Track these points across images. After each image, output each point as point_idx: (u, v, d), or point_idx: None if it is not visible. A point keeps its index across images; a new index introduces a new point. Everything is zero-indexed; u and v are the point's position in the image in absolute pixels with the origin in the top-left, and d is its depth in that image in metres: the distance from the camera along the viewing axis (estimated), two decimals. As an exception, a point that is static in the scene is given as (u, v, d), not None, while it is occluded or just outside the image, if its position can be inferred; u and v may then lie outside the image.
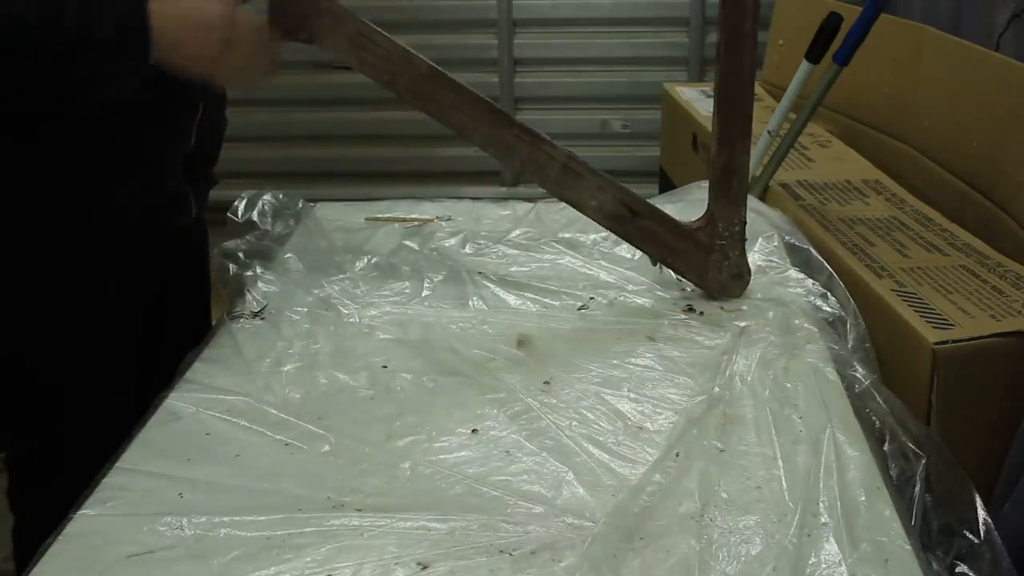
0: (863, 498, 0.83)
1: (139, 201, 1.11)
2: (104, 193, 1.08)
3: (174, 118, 1.13)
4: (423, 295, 1.20)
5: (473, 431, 0.93)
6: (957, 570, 0.88)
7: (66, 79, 0.93)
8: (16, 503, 1.19)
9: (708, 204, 1.16)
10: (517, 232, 1.38)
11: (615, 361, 1.06)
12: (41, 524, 0.81)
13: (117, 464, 0.88)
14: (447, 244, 1.33)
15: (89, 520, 0.81)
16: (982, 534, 0.89)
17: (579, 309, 1.17)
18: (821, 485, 0.84)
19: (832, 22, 1.57)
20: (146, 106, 1.06)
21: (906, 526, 0.81)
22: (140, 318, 1.17)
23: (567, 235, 1.36)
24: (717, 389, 0.99)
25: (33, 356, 1.11)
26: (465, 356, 1.07)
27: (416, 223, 1.39)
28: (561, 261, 1.30)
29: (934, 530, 0.92)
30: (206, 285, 1.34)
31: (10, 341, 1.10)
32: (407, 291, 1.20)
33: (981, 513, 0.90)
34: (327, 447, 0.91)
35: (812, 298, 1.18)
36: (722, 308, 1.16)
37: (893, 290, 1.28)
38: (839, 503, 0.82)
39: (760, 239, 1.32)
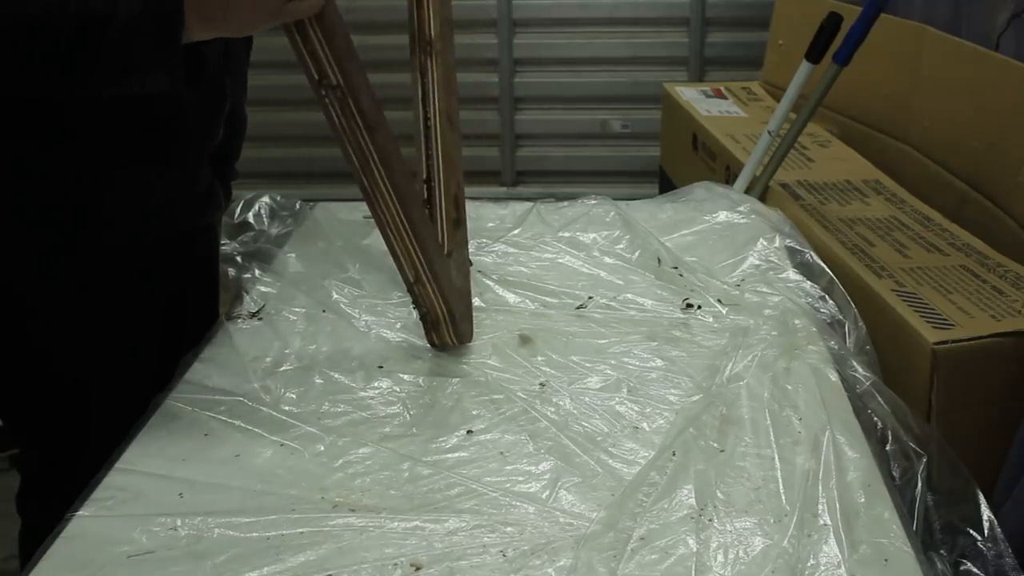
0: (863, 500, 0.83)
1: (170, 197, 1.10)
2: (142, 186, 1.06)
3: (206, 110, 1.12)
4: (422, 295, 1.19)
5: (468, 432, 0.93)
6: (961, 568, 0.88)
7: (83, 69, 0.86)
8: (23, 510, 1.19)
9: None
10: (517, 231, 1.37)
11: (613, 361, 1.06)
12: (47, 532, 0.81)
13: (116, 465, 0.88)
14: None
15: (88, 521, 0.81)
16: (986, 531, 0.89)
17: (577, 308, 1.17)
18: (820, 486, 0.84)
19: (832, 22, 1.57)
20: (179, 98, 1.04)
21: (906, 527, 0.81)
22: (158, 322, 1.16)
23: (567, 234, 1.36)
24: (716, 389, 0.99)
25: (60, 361, 1.09)
26: (463, 356, 1.06)
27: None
28: (561, 260, 1.30)
29: (936, 529, 0.92)
30: (216, 285, 1.33)
31: (39, 345, 1.09)
32: (405, 290, 1.20)
33: (985, 511, 0.90)
34: (323, 448, 0.90)
35: (811, 300, 1.18)
36: (721, 308, 1.16)
37: (893, 290, 1.28)
38: (838, 504, 0.82)
39: (760, 240, 1.32)
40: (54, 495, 0.98)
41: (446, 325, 1.05)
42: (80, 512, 0.82)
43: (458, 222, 1.13)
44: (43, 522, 0.87)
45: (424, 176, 1.10)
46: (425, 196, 1.10)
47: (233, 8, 0.86)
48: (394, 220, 0.99)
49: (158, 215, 1.09)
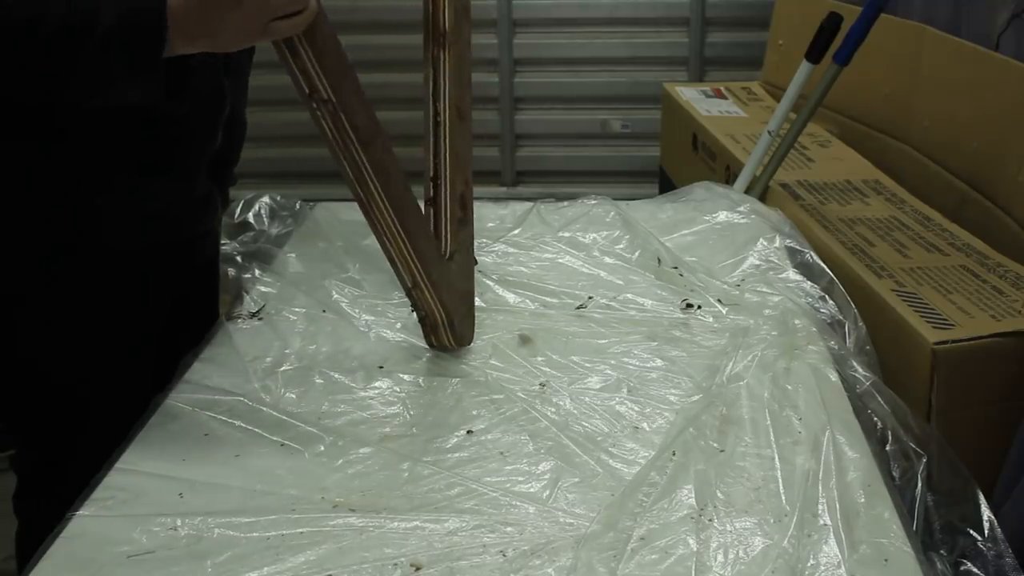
0: (863, 500, 0.83)
1: (169, 202, 1.10)
2: (139, 191, 1.06)
3: (206, 115, 1.12)
4: (422, 295, 1.19)
5: (468, 432, 0.93)
6: (962, 568, 0.88)
7: (62, 78, 0.86)
8: (21, 510, 1.19)
9: None
10: (517, 231, 1.38)
11: (613, 361, 1.06)
12: (44, 532, 0.81)
13: (116, 465, 0.88)
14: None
15: (88, 520, 0.81)
16: (986, 531, 0.89)
17: (577, 308, 1.17)
18: (820, 486, 0.84)
19: (832, 22, 1.57)
20: (173, 105, 1.04)
21: (906, 527, 0.81)
22: (158, 325, 1.16)
23: (567, 234, 1.36)
24: (716, 389, 0.98)
25: (56, 363, 1.09)
26: (463, 356, 1.06)
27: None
28: (561, 260, 1.30)
29: (936, 529, 0.92)
30: (217, 288, 1.33)
31: (33, 347, 1.09)
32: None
33: (985, 511, 0.90)
34: (324, 448, 0.90)
35: (811, 300, 1.18)
36: (721, 308, 1.16)
37: (893, 290, 1.28)
38: (838, 505, 0.82)
39: (760, 240, 1.32)
40: (50, 495, 0.98)
41: (444, 329, 1.05)
42: (80, 512, 0.82)
43: (464, 221, 1.12)
44: (40, 522, 0.87)
45: (431, 174, 1.09)
46: (431, 195, 1.09)
47: (217, 27, 0.85)
48: (390, 228, 0.98)
49: (155, 220, 1.09)
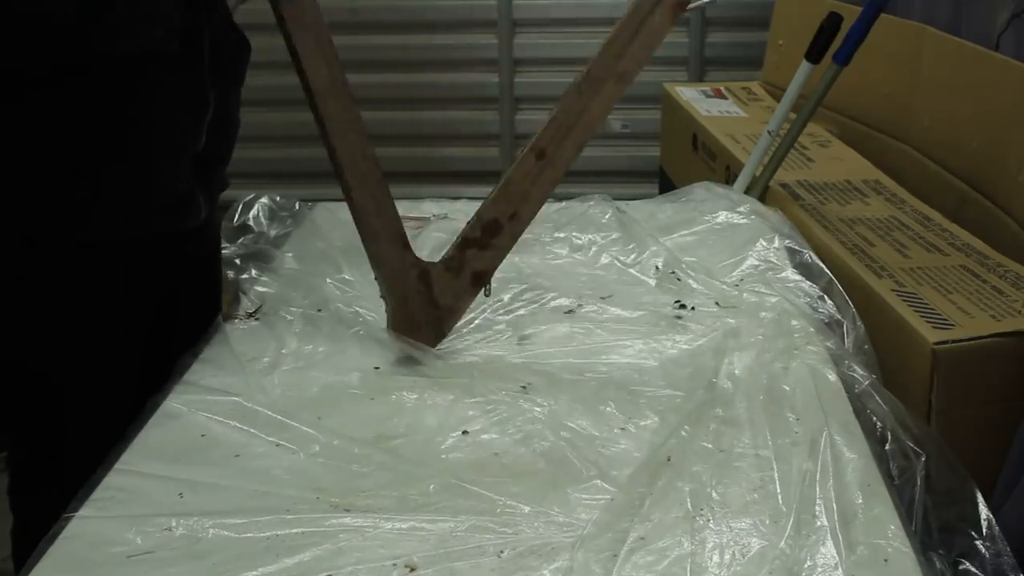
0: (861, 500, 0.83)
1: (145, 197, 1.10)
2: (109, 186, 1.07)
3: (180, 114, 1.12)
4: (420, 296, 1.19)
5: (464, 432, 0.93)
6: (960, 568, 0.87)
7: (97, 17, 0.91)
8: (15, 507, 1.19)
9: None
10: (515, 232, 1.37)
11: (608, 361, 1.05)
12: (39, 528, 0.81)
13: (115, 465, 0.88)
14: (445, 243, 1.33)
15: (87, 521, 0.81)
16: (984, 531, 0.89)
17: (573, 309, 1.17)
18: (818, 487, 0.84)
19: (832, 22, 1.57)
20: (156, 97, 1.05)
21: (905, 528, 0.80)
22: (146, 321, 1.16)
23: (562, 234, 1.36)
24: (712, 390, 0.98)
25: (38, 358, 1.10)
26: (459, 357, 1.06)
27: (414, 222, 1.39)
28: (558, 260, 1.30)
29: (935, 529, 0.92)
30: (216, 289, 1.33)
31: (15, 342, 1.09)
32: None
33: (984, 510, 0.90)
34: (320, 448, 0.90)
35: (810, 300, 1.18)
36: (719, 308, 1.16)
37: (893, 290, 1.28)
38: (836, 505, 0.82)
39: (760, 240, 1.32)
40: (42, 493, 0.98)
41: (389, 311, 1.06)
42: (79, 512, 0.82)
43: (478, 244, 1.09)
44: (33, 520, 0.87)
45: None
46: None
47: None
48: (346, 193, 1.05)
49: (132, 215, 1.09)
